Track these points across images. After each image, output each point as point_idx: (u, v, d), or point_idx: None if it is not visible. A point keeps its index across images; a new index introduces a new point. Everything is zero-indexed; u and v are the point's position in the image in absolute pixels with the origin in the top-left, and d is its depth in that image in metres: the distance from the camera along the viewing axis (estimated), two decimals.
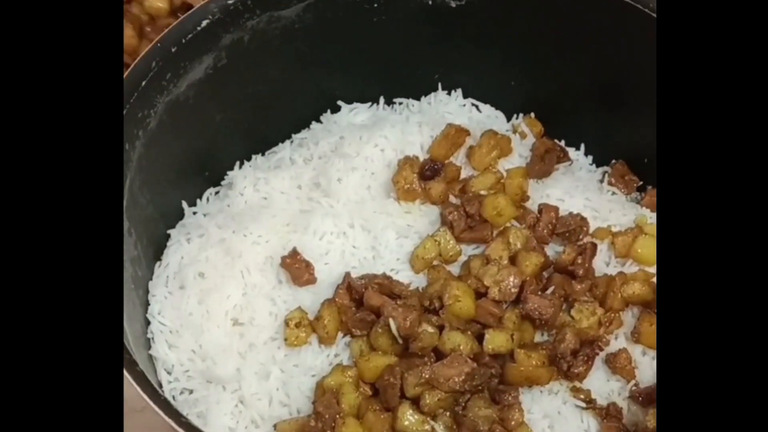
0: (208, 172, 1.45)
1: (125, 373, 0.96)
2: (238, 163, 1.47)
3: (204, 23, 1.24)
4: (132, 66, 1.17)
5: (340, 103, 1.54)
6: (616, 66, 1.38)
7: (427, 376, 1.17)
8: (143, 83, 1.16)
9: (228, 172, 1.46)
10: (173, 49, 1.20)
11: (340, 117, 1.52)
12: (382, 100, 1.54)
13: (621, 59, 1.37)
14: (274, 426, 1.21)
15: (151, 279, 1.33)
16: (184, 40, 1.21)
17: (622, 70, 1.38)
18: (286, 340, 1.26)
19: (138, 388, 0.96)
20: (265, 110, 1.47)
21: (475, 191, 1.37)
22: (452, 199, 1.39)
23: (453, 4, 1.40)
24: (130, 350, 1.02)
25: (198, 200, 1.43)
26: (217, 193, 1.45)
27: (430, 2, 1.40)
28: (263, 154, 1.50)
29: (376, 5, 1.39)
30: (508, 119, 1.55)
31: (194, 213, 1.41)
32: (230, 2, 1.26)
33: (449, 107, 1.52)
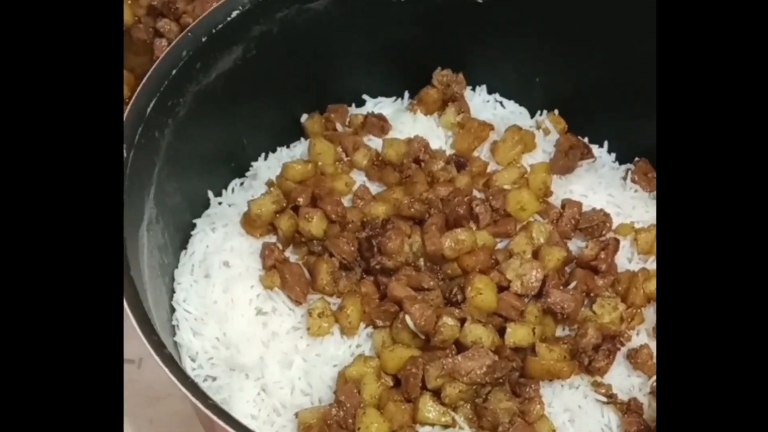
0: (233, 163, 1.46)
1: (155, 356, 0.97)
2: (263, 154, 1.48)
3: (234, 14, 1.25)
4: (162, 55, 1.18)
5: (365, 96, 1.55)
6: (640, 64, 1.36)
7: (448, 368, 1.18)
8: (174, 72, 1.17)
9: (252, 163, 1.47)
10: (204, 39, 1.21)
11: (364, 111, 1.53)
12: (406, 94, 1.55)
13: (646, 57, 1.34)
14: (296, 414, 1.22)
15: (176, 267, 1.34)
16: (214, 31, 1.22)
17: (646, 69, 1.36)
18: (308, 329, 1.27)
19: (166, 370, 0.97)
20: (292, 102, 1.49)
21: (499, 185, 1.37)
22: (476, 193, 1.40)
23: (479, 0, 1.41)
24: (158, 334, 1.03)
25: (223, 190, 1.44)
26: (242, 184, 1.46)
27: None
28: (288, 147, 1.51)
29: (402, 0, 1.40)
30: (532, 116, 1.55)
31: (219, 203, 1.42)
32: None
33: (473, 103, 1.53)
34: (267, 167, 1.46)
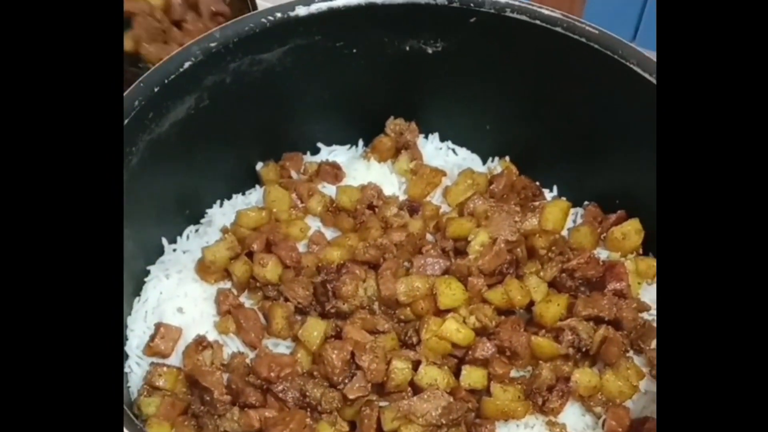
0: (188, 210, 1.46)
1: None
2: (218, 201, 1.49)
3: (186, 65, 1.26)
4: None
5: (319, 145, 1.57)
6: (588, 113, 1.42)
7: (404, 410, 1.18)
8: (126, 121, 1.18)
9: (207, 210, 1.48)
10: (156, 89, 1.22)
11: (319, 159, 1.55)
12: (360, 142, 1.58)
13: (594, 107, 1.40)
14: None
15: (129, 314, 1.33)
16: (166, 81, 1.23)
17: (594, 117, 1.42)
18: None
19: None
20: (247, 151, 1.50)
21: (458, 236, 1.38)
22: (429, 236, 1.42)
23: (429, 51, 1.45)
24: None
25: (178, 237, 1.44)
26: (197, 230, 1.47)
27: (407, 48, 1.44)
28: (243, 194, 1.52)
29: (354, 50, 1.43)
30: (484, 162, 1.58)
31: (174, 250, 1.42)
32: (212, 45, 1.28)
33: (426, 150, 1.56)
34: (222, 214, 1.47)
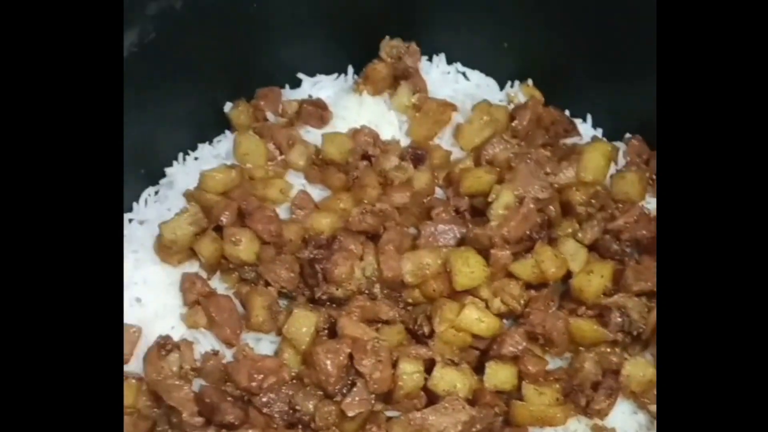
0: (144, 169, 1.22)
1: None
2: (181, 155, 1.23)
3: None
4: None
5: (300, 75, 1.29)
6: (635, 19, 1.15)
7: (416, 425, 0.96)
8: None
9: (166, 169, 1.22)
10: None
11: (301, 93, 1.28)
12: (351, 70, 1.30)
13: (634, 13, 1.15)
14: None
15: None
16: None
17: (635, 26, 1.15)
18: None
19: None
20: (212, 89, 1.26)
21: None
22: (438, 191, 1.16)
23: None
24: None
25: (134, 203, 1.20)
26: (156, 193, 1.22)
27: None
28: (210, 143, 1.25)
29: None
30: (502, 87, 1.32)
31: (129, 221, 1.18)
32: None
33: (431, 76, 1.29)
34: (185, 173, 1.22)
